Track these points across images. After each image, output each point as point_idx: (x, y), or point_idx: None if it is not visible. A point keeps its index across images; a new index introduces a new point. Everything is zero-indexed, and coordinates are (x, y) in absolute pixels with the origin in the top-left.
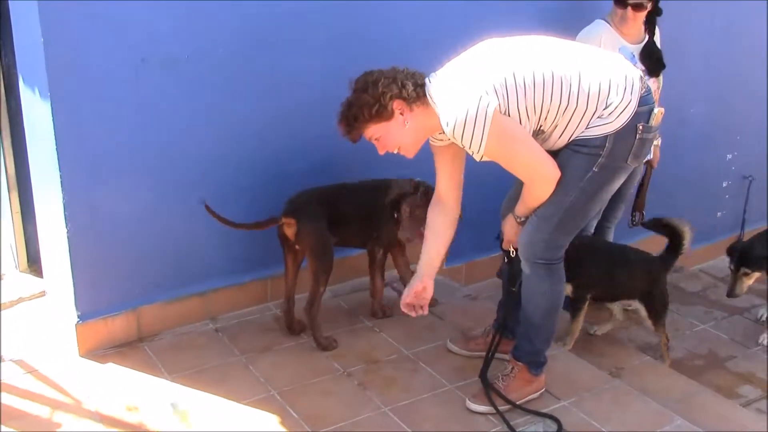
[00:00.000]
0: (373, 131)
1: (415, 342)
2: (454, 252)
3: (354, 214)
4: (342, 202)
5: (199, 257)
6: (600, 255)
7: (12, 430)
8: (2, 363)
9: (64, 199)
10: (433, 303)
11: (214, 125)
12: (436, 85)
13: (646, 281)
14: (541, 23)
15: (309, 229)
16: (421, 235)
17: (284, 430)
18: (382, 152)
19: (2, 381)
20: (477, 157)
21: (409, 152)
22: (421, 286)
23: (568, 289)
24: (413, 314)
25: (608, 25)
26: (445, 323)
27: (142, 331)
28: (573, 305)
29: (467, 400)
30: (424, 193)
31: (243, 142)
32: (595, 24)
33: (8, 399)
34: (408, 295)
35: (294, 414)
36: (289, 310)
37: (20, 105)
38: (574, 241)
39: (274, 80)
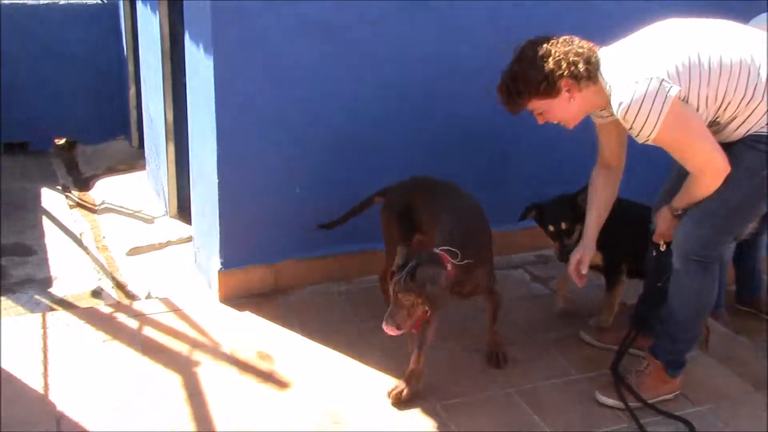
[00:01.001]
0: (536, 106)
1: (547, 327)
2: None
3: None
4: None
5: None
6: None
7: (153, 362)
8: (149, 300)
9: (217, 150)
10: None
11: (368, 88)
12: (610, 62)
13: None
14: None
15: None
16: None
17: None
18: (541, 122)
19: (148, 316)
20: (641, 141)
21: (570, 125)
22: (581, 255)
23: (597, 257)
24: (580, 284)
25: None
26: (578, 312)
27: (278, 284)
28: (607, 276)
29: (597, 392)
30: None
31: (399, 107)
32: None
33: (152, 333)
34: (571, 265)
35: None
36: None
37: (184, 59)
38: None
39: (434, 48)
